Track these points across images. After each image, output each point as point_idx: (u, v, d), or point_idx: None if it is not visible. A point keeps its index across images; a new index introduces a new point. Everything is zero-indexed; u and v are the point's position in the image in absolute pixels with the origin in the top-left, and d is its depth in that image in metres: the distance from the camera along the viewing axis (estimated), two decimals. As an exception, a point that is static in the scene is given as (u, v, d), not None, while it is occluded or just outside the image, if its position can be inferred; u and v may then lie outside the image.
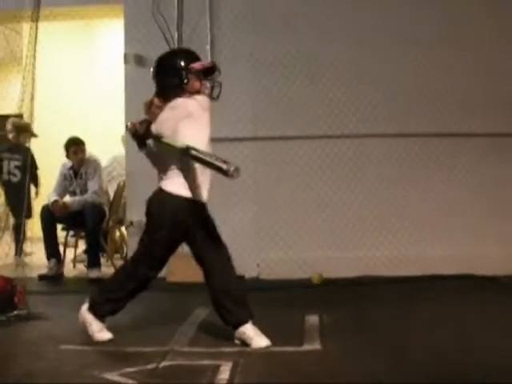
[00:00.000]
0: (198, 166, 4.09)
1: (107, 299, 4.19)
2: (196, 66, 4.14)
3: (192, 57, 4.22)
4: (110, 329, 4.31)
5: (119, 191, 7.06)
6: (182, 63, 4.14)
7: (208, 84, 4.19)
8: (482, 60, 6.51)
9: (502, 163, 6.58)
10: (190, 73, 4.11)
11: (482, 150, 6.58)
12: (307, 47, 6.55)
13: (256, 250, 6.59)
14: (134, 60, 6.52)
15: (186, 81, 4.10)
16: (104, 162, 6.88)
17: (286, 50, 6.56)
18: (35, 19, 5.10)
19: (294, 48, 6.55)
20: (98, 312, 4.20)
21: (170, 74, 4.13)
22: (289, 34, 6.55)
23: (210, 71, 4.25)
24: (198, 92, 4.14)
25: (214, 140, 6.49)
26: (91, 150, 6.85)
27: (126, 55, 6.64)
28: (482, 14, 6.52)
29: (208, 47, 6.57)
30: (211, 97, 4.20)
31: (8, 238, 5.38)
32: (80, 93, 9.40)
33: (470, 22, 6.51)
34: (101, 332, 4.19)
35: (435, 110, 6.56)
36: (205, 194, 4.19)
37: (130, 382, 3.47)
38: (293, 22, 6.56)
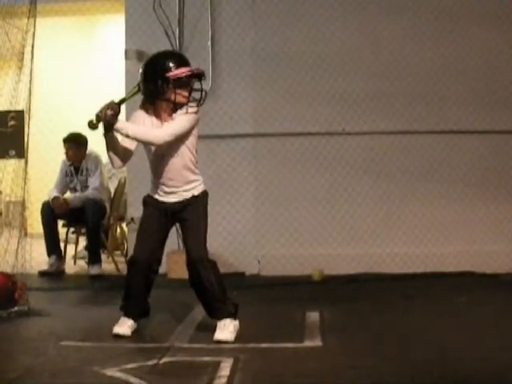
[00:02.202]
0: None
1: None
2: (172, 75, 4.05)
3: (175, 63, 4.10)
4: (110, 325, 4.31)
5: (120, 188, 7.05)
6: (159, 71, 4.06)
7: (185, 92, 4.11)
8: (487, 57, 6.50)
9: (503, 161, 6.57)
10: (167, 82, 4.05)
11: (483, 148, 6.57)
12: (308, 43, 6.54)
13: (257, 246, 6.59)
14: (135, 56, 6.51)
15: (161, 90, 4.06)
16: (105, 159, 6.86)
17: (287, 45, 6.55)
18: (33, 15, 5.08)
19: (295, 44, 6.54)
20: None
21: (149, 81, 4.10)
22: (290, 30, 6.54)
23: (193, 77, 4.14)
24: (175, 101, 4.09)
25: (215, 137, 6.58)
26: (92, 146, 6.83)
27: (126, 51, 6.63)
28: (486, 12, 6.51)
29: (209, 43, 6.56)
30: (197, 104, 4.14)
31: (7, 234, 5.36)
32: (81, 89, 9.38)
33: (474, 20, 6.50)
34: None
35: (437, 108, 6.55)
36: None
37: (131, 378, 3.46)
38: (293, 17, 6.54)
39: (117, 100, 4.04)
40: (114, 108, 3.97)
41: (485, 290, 5.83)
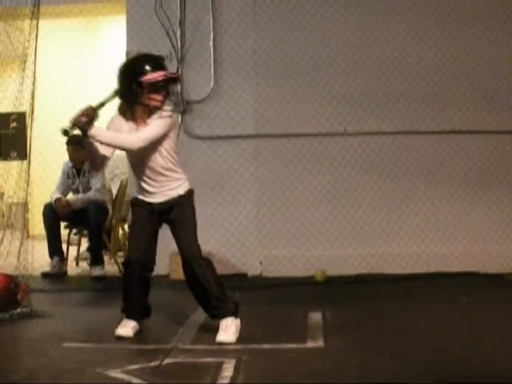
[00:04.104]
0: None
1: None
2: (146, 79, 4.06)
3: (149, 67, 4.10)
4: (112, 326, 4.31)
5: (122, 189, 7.05)
6: (133, 75, 4.07)
7: (159, 97, 4.11)
8: (489, 57, 6.50)
9: (505, 161, 6.57)
10: (141, 86, 4.06)
11: (485, 148, 6.56)
12: (309, 43, 6.53)
13: (259, 247, 6.59)
14: (136, 57, 6.50)
15: (136, 94, 4.07)
16: (107, 160, 6.86)
17: (288, 46, 6.54)
18: (36, 17, 5.10)
19: (297, 44, 6.54)
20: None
21: (124, 85, 4.12)
22: (291, 31, 6.54)
23: (168, 81, 4.16)
24: (149, 105, 4.11)
25: (217, 138, 6.59)
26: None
27: (128, 52, 6.62)
28: (488, 13, 6.51)
29: (211, 44, 6.56)
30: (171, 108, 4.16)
31: (10, 235, 5.37)
32: (82, 90, 9.38)
33: (475, 20, 6.50)
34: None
35: (438, 108, 6.55)
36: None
37: (134, 379, 3.47)
38: (295, 18, 6.54)
39: (95, 104, 4.05)
40: (89, 114, 4.00)
41: (487, 290, 5.82)
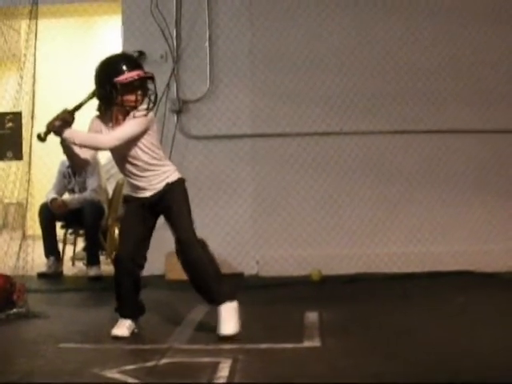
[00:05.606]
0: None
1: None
2: (118, 80, 4.06)
3: (123, 67, 4.11)
4: (108, 326, 4.31)
5: (118, 189, 7.04)
6: (107, 76, 4.09)
7: (133, 97, 4.10)
8: (484, 56, 6.51)
9: (500, 160, 6.58)
10: (115, 87, 4.07)
11: (480, 147, 6.58)
12: (306, 43, 6.54)
13: (255, 247, 6.59)
14: (132, 57, 6.49)
15: (110, 95, 4.08)
16: (103, 160, 6.87)
17: (284, 46, 6.55)
18: (34, 16, 5.09)
19: (293, 44, 6.54)
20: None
21: (99, 86, 4.14)
22: (287, 30, 6.55)
23: (144, 80, 4.15)
24: (123, 105, 4.12)
25: (213, 137, 6.58)
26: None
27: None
28: (483, 11, 6.52)
29: (207, 44, 6.56)
30: (147, 108, 4.14)
31: (7, 236, 5.36)
32: (78, 90, 9.36)
33: (470, 19, 6.52)
34: None
35: (434, 107, 6.56)
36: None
37: (130, 379, 3.46)
38: (291, 18, 6.55)
39: (71, 107, 4.08)
40: (64, 118, 4.03)
41: (484, 289, 5.83)
